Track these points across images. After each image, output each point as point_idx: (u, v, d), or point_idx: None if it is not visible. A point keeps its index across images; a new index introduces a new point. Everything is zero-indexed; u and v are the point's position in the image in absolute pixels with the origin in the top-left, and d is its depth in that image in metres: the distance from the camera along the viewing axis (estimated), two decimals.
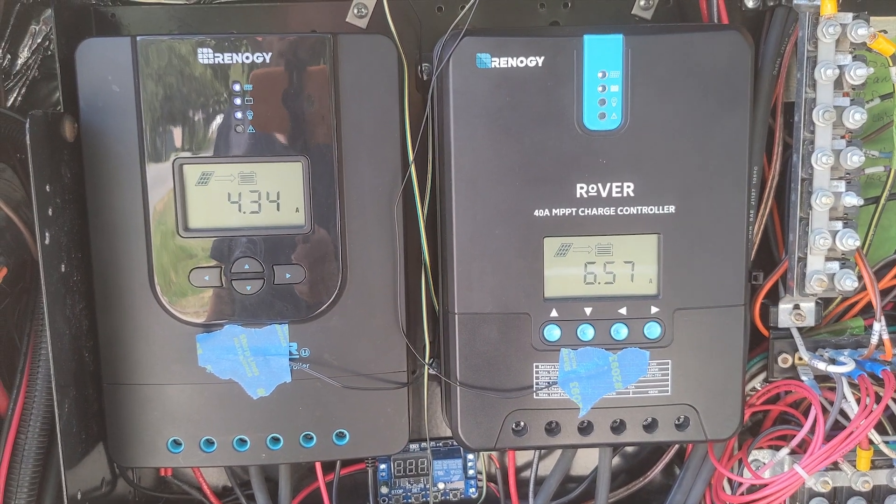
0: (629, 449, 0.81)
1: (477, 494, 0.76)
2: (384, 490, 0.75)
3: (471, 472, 0.75)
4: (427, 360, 0.65)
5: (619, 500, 0.77)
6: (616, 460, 0.81)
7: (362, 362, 0.63)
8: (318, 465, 0.70)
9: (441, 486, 0.75)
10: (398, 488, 0.75)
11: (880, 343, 0.66)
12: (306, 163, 0.60)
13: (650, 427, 0.64)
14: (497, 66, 0.59)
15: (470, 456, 0.75)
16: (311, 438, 0.64)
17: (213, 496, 0.73)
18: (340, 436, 0.64)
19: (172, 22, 0.69)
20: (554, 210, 0.61)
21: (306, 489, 0.74)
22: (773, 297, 0.71)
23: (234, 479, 0.74)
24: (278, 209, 0.61)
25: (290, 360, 0.62)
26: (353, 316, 0.63)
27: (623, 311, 0.62)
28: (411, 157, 0.61)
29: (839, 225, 0.65)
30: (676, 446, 0.76)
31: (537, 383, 0.62)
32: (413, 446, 0.75)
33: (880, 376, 0.66)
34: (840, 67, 0.62)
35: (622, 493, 0.77)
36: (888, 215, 0.75)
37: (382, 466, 0.74)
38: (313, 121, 0.60)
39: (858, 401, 0.65)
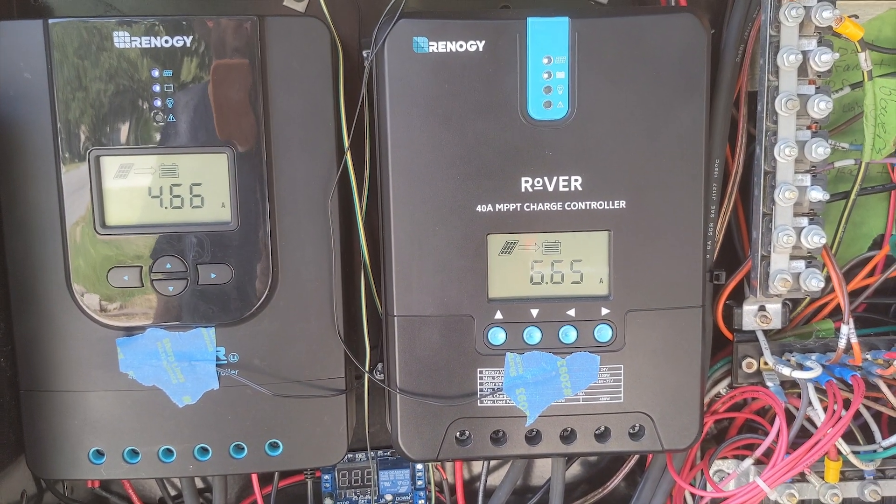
0: (591, 458, 0.78)
1: None
2: (328, 502, 0.71)
3: (420, 482, 0.71)
4: (367, 367, 0.61)
5: None
6: (576, 469, 0.77)
7: (296, 368, 0.59)
8: (254, 478, 0.66)
9: (388, 497, 0.71)
10: (344, 500, 0.71)
11: (849, 347, 0.62)
12: (232, 154, 0.56)
13: (602, 436, 0.60)
14: (435, 50, 0.55)
15: (419, 466, 0.72)
16: (242, 449, 0.60)
17: None
18: (274, 446, 0.60)
19: (100, 7, 0.65)
20: (497, 205, 0.57)
21: (244, 502, 0.70)
22: (739, 299, 0.67)
23: (166, 492, 0.69)
24: (202, 204, 0.57)
25: (218, 365, 0.58)
26: (285, 319, 0.59)
27: (572, 312, 0.58)
28: (346, 146, 0.57)
29: (804, 221, 0.61)
30: (637, 455, 0.72)
31: (481, 390, 0.58)
32: (360, 456, 0.72)
33: (850, 382, 0.62)
34: (804, 53, 0.58)
35: None
36: (860, 211, 0.71)
37: (326, 477, 0.70)
38: (239, 109, 0.56)
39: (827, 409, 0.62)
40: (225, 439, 0.60)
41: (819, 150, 0.59)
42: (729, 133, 0.65)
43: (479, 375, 0.58)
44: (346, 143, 0.57)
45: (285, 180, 0.58)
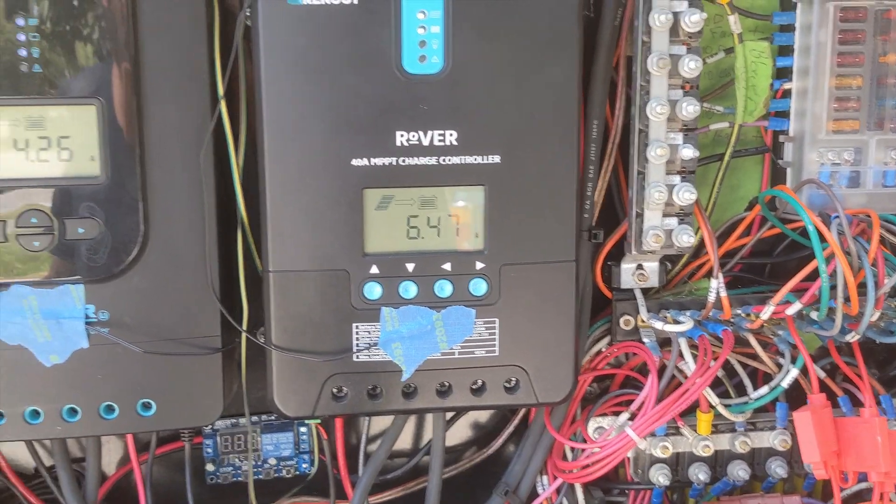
0: (482, 418, 0.78)
1: (311, 469, 0.72)
2: (210, 467, 0.70)
3: (304, 446, 0.71)
4: (244, 326, 0.60)
5: (462, 471, 0.74)
6: (465, 432, 0.78)
7: (169, 326, 0.58)
8: (129, 439, 0.65)
9: (272, 461, 0.71)
10: (227, 465, 0.70)
11: (719, 302, 0.64)
12: (100, 106, 0.55)
13: (479, 390, 0.60)
14: (309, 2, 0.55)
15: (303, 429, 0.71)
16: (113, 409, 0.59)
17: (13, 475, 0.67)
18: (146, 406, 0.59)
19: None
20: (373, 159, 0.57)
21: (122, 468, 0.69)
22: (620, 260, 0.68)
23: (38, 460, 0.68)
24: (70, 157, 0.56)
25: (87, 323, 0.57)
26: (157, 276, 0.58)
27: (447, 266, 0.58)
28: (221, 96, 0.56)
29: (676, 179, 0.63)
30: (521, 414, 0.73)
31: (357, 345, 0.58)
32: (244, 420, 0.71)
33: (721, 336, 0.64)
34: (675, 14, 0.60)
35: (464, 464, 0.74)
36: (736, 175, 0.73)
37: (208, 442, 0.69)
38: (108, 59, 0.55)
39: None
40: (95, 399, 0.58)
41: (689, 109, 0.61)
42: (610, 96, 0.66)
43: (354, 330, 0.58)
44: (221, 93, 0.56)
45: (157, 133, 0.57)
